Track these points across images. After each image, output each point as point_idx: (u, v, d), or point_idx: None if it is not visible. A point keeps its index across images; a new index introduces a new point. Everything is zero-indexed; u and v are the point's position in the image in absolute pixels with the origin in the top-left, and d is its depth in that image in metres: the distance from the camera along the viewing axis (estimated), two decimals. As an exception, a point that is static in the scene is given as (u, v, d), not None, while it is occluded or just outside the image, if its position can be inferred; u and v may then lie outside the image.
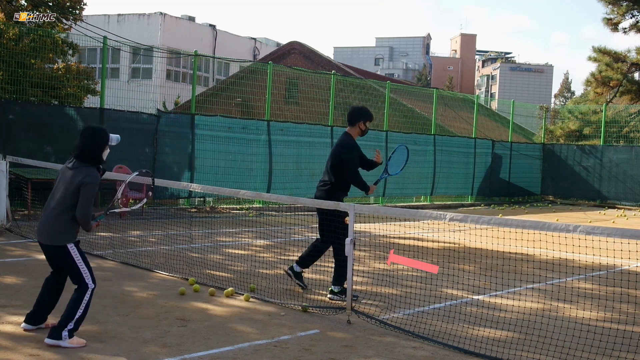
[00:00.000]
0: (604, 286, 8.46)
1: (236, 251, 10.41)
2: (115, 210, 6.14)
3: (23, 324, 5.70)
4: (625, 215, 20.68)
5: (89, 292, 5.49)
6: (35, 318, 5.68)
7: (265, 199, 13.85)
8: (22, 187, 12.60)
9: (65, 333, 5.33)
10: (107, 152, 5.68)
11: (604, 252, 9.60)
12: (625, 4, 26.61)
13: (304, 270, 7.77)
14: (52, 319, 5.70)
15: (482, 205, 22.58)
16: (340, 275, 7.30)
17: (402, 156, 8.07)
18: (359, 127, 7.77)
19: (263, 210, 16.63)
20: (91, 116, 14.29)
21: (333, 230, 7.21)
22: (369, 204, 19.28)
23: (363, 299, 7.28)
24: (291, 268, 7.71)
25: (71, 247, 5.51)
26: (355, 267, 7.01)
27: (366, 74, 32.49)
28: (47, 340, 5.34)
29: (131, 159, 14.43)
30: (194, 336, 5.78)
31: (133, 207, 6.54)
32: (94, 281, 5.56)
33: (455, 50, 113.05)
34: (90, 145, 5.58)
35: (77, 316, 5.40)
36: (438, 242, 12.50)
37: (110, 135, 5.70)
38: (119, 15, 35.68)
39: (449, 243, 12.35)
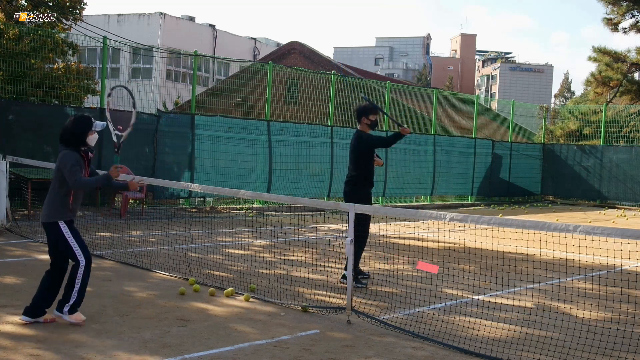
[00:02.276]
0: (604, 286, 8.46)
1: (236, 251, 10.41)
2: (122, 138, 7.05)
3: (21, 316, 5.90)
4: (625, 215, 20.68)
5: (81, 269, 5.86)
6: (32, 310, 5.90)
7: (265, 199, 13.85)
8: (22, 187, 12.60)
9: (66, 308, 5.86)
10: (93, 137, 6.06)
11: (604, 252, 9.60)
12: (625, 4, 26.60)
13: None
14: (51, 315, 5.99)
15: (482, 205, 22.58)
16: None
17: None
18: (365, 123, 8.32)
19: (263, 210, 16.63)
20: (91, 116, 14.26)
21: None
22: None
23: (363, 299, 7.28)
24: (343, 276, 7.96)
25: (62, 224, 5.92)
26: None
27: (366, 74, 32.48)
28: (54, 312, 5.91)
29: (131, 158, 14.42)
30: (194, 336, 5.78)
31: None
32: (86, 258, 5.91)
33: (455, 50, 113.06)
34: (71, 129, 5.97)
35: (74, 293, 5.85)
36: (438, 242, 12.50)
37: (95, 122, 6.09)
38: (119, 15, 35.69)
39: (449, 243, 12.35)
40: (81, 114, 6.26)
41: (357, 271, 8.15)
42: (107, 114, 7.62)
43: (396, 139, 8.31)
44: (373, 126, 8.32)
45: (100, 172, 6.38)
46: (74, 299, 5.86)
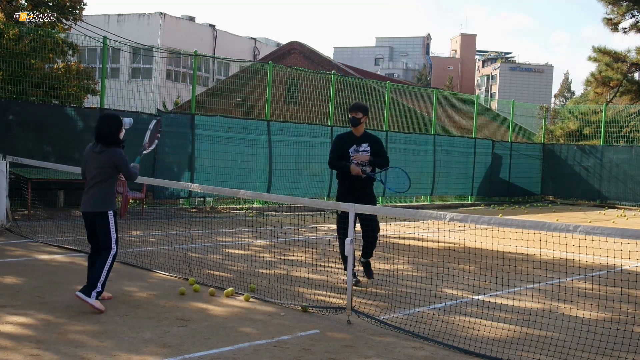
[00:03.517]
0: (604, 286, 8.46)
1: (236, 251, 10.41)
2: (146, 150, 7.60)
3: (77, 292, 6.32)
4: (625, 215, 20.68)
5: (111, 255, 6.54)
6: (88, 289, 6.36)
7: (265, 199, 13.85)
8: (22, 187, 12.60)
9: (94, 293, 6.32)
10: (123, 133, 6.76)
11: (604, 252, 9.60)
12: (625, 4, 26.60)
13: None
14: (107, 293, 6.80)
15: (482, 205, 22.58)
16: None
17: (401, 178, 8.47)
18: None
19: (263, 210, 16.63)
20: (91, 116, 14.29)
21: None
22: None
23: (363, 299, 7.28)
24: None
25: (110, 214, 6.60)
26: (355, 267, 7.02)
27: (366, 74, 32.49)
28: (78, 293, 6.30)
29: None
30: (194, 336, 5.78)
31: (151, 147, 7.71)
32: (117, 248, 6.68)
33: (455, 50, 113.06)
34: (107, 130, 6.63)
35: (102, 278, 6.40)
36: (438, 242, 12.50)
37: (124, 119, 6.80)
38: (119, 15, 35.69)
39: (449, 243, 12.35)
40: (110, 113, 6.99)
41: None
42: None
43: (333, 167, 8.44)
44: (350, 122, 8.37)
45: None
46: (100, 286, 6.40)
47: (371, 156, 8.22)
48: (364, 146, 8.25)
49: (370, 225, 8.17)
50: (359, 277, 8.23)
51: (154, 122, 7.58)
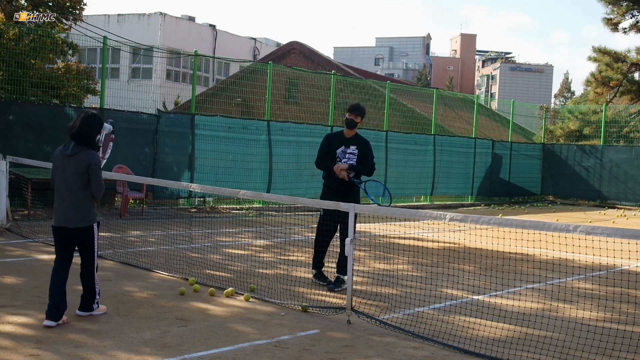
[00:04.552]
0: (604, 286, 8.46)
1: (236, 251, 10.41)
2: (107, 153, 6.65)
3: (46, 321, 5.82)
4: (625, 216, 20.68)
5: (95, 269, 6.21)
6: (55, 312, 5.87)
7: (265, 199, 13.85)
8: (22, 187, 12.60)
9: (95, 305, 6.20)
10: (100, 136, 6.20)
11: (604, 252, 9.60)
12: (625, 4, 26.59)
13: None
14: (65, 316, 6.01)
15: (482, 205, 22.58)
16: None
17: (377, 189, 8.40)
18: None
19: (263, 210, 16.63)
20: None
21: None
22: (369, 204, 19.26)
23: (363, 299, 7.27)
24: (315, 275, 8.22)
25: (95, 227, 6.15)
26: (355, 267, 7.03)
27: (366, 74, 32.49)
28: (79, 312, 6.15)
29: (131, 158, 14.44)
30: (194, 336, 5.78)
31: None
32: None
33: (455, 50, 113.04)
34: (86, 128, 6.02)
35: (97, 289, 6.21)
36: (438, 242, 12.50)
37: (104, 123, 6.24)
38: (119, 15, 35.69)
39: (449, 243, 12.35)
40: (92, 112, 6.17)
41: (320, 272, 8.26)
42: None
43: (321, 168, 8.25)
44: (345, 124, 8.20)
45: None
46: (98, 295, 6.24)
47: (357, 160, 8.08)
48: (352, 148, 8.10)
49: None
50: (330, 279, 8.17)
51: (106, 128, 6.37)
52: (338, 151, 8.09)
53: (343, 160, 8.03)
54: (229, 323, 6.26)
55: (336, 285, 7.95)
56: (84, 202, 6.03)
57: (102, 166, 6.26)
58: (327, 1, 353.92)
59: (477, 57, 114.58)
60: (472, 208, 21.40)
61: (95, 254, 6.20)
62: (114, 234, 11.02)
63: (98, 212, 6.29)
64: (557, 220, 17.22)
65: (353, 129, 8.16)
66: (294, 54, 29.74)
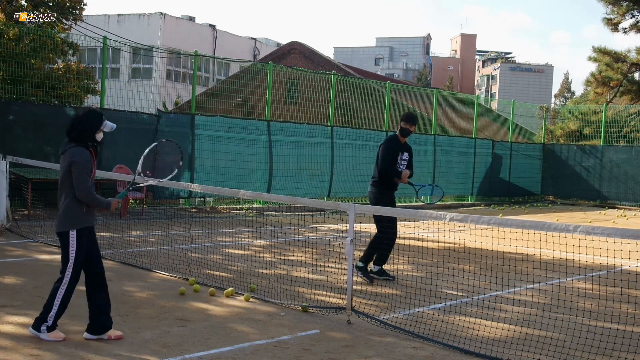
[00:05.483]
0: (604, 286, 8.46)
1: (236, 251, 10.41)
2: (140, 184, 6.16)
3: (85, 334, 5.56)
4: (625, 216, 20.68)
5: (64, 286, 5.44)
6: (95, 328, 5.56)
7: (266, 199, 13.85)
8: (22, 187, 12.60)
9: (43, 327, 5.42)
10: (100, 135, 5.65)
11: (604, 252, 9.60)
12: (625, 4, 26.60)
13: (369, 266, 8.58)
14: (116, 331, 5.67)
15: (482, 205, 22.58)
16: (377, 257, 8.52)
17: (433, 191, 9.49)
18: (399, 127, 8.88)
19: (263, 211, 16.63)
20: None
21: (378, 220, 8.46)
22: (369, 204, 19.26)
23: (363, 299, 7.27)
24: (356, 265, 8.44)
25: (72, 234, 5.45)
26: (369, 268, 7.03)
27: (366, 74, 32.49)
28: (30, 329, 5.48)
29: (131, 158, 14.38)
30: (194, 336, 5.77)
31: (160, 180, 6.41)
32: (74, 278, 5.46)
33: (455, 50, 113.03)
34: (83, 124, 5.54)
35: (53, 311, 5.43)
36: (438, 242, 12.50)
37: (106, 121, 5.66)
38: (119, 15, 35.68)
39: (449, 243, 12.35)
40: (92, 109, 5.77)
41: (380, 271, 8.57)
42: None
43: (391, 175, 8.64)
44: (401, 132, 8.77)
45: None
46: (50, 321, 5.44)
47: (409, 166, 8.85)
48: (406, 155, 8.82)
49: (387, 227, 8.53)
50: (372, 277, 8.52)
51: (107, 126, 5.72)
52: (398, 158, 8.73)
53: (401, 167, 8.73)
54: (229, 323, 6.26)
55: (380, 274, 8.53)
56: (68, 204, 5.47)
57: (165, 177, 6.05)
58: (327, 1, 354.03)
59: (477, 57, 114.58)
60: (472, 208, 21.39)
61: (70, 268, 5.44)
62: (114, 234, 11.02)
63: (97, 212, 5.88)
64: (557, 220, 17.22)
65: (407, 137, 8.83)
66: (294, 54, 29.74)
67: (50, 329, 5.44)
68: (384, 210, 7.20)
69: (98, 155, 5.86)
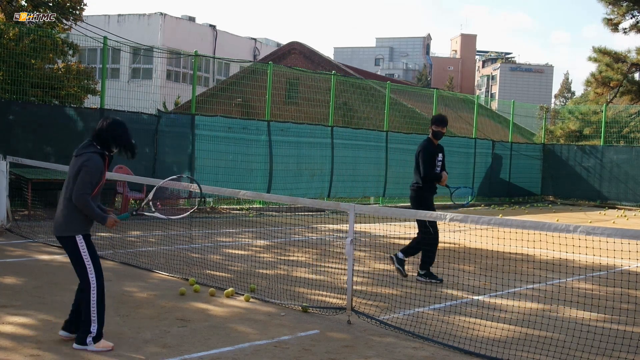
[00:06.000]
0: (604, 286, 8.46)
1: (236, 251, 10.41)
2: (145, 212, 5.92)
3: (61, 332, 5.50)
4: (625, 216, 20.67)
5: (93, 291, 5.30)
6: (70, 326, 5.48)
7: (266, 199, 13.86)
8: (22, 187, 12.60)
9: (89, 339, 5.26)
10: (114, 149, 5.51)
11: (604, 252, 9.59)
12: (625, 4, 26.60)
13: (407, 259, 8.78)
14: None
15: (482, 205, 22.58)
16: (422, 260, 8.68)
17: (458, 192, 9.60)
18: (431, 131, 9.02)
19: (263, 211, 16.63)
20: (91, 116, 14.29)
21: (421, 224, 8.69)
22: (369, 204, 19.29)
23: (363, 299, 7.27)
24: (396, 255, 8.73)
25: (79, 239, 5.33)
26: (355, 267, 7.03)
27: (366, 74, 32.49)
28: (75, 345, 5.28)
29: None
30: (194, 336, 5.78)
31: (168, 217, 6.13)
32: (98, 279, 5.34)
33: (456, 51, 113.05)
34: (112, 131, 5.39)
35: (92, 319, 5.28)
36: (438, 242, 12.47)
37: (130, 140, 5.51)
38: (119, 15, 35.69)
39: (449, 243, 12.35)
40: (122, 121, 5.56)
41: (428, 273, 8.67)
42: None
43: (434, 178, 8.84)
44: (434, 135, 8.91)
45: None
46: (95, 330, 5.30)
47: (442, 167, 9.01)
48: (440, 156, 9.00)
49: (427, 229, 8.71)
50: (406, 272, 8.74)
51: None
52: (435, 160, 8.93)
53: (437, 169, 8.92)
54: (229, 323, 6.26)
55: (427, 277, 8.65)
56: (70, 208, 5.32)
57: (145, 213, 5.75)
58: (327, 1, 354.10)
59: (477, 57, 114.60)
60: (472, 208, 21.39)
61: (89, 272, 5.30)
62: (114, 234, 11.02)
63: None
64: (557, 220, 17.21)
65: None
66: (294, 54, 29.73)
67: (96, 339, 5.28)
68: (384, 211, 7.19)
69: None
